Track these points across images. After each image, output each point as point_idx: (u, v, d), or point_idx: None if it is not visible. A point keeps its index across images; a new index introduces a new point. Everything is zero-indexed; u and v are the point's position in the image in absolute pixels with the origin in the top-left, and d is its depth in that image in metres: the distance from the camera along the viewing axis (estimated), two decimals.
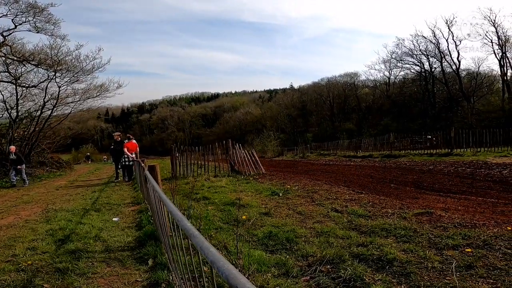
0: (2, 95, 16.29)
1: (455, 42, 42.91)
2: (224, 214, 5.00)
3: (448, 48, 44.11)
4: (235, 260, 2.47)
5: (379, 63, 69.83)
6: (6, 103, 16.45)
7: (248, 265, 2.77)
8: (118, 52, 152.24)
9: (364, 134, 43.41)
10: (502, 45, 37.61)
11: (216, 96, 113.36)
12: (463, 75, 44.60)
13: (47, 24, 16.09)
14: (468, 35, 40.42)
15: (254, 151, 12.15)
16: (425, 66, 48.03)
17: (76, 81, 17.66)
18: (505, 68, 38.63)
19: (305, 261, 2.96)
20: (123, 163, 10.86)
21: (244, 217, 4.59)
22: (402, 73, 52.79)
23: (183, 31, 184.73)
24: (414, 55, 48.13)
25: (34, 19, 15.76)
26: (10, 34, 15.63)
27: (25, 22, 15.68)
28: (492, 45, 38.48)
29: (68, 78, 17.27)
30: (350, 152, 24.14)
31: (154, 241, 3.63)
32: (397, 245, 3.11)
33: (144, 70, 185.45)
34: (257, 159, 11.52)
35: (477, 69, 42.71)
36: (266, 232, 3.80)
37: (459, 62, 43.44)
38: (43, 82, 16.80)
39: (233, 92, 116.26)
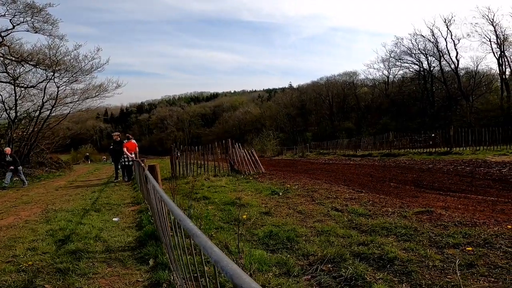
0: (1, 95, 16.30)
1: (453, 41, 42.93)
2: (224, 213, 5.00)
3: (447, 47, 44.14)
4: (237, 260, 2.47)
5: (378, 62, 70.14)
6: (5, 103, 16.44)
7: (249, 264, 2.77)
8: (118, 52, 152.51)
9: (363, 133, 43.40)
10: (500, 44, 37.62)
11: (215, 95, 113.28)
12: (461, 74, 44.61)
13: (45, 24, 16.07)
14: (468, 34, 40.47)
15: (253, 151, 12.15)
16: (423, 65, 48.08)
17: (74, 81, 17.67)
18: (503, 67, 38.65)
19: (306, 260, 2.96)
20: (123, 163, 10.84)
21: (244, 216, 4.59)
22: (401, 72, 52.85)
23: (183, 31, 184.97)
24: (413, 54, 48.16)
25: (32, 19, 15.73)
26: (8, 34, 15.59)
27: (23, 22, 15.64)
28: (491, 44, 38.52)
29: (67, 78, 17.27)
30: (350, 151, 24.16)
31: (155, 241, 3.62)
32: (397, 244, 3.12)
33: (144, 70, 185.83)
34: (257, 158, 11.53)
35: (475, 68, 42.74)
36: (266, 232, 3.80)
37: (458, 61, 43.48)
38: (41, 82, 16.80)
39: (232, 91, 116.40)
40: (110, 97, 19.75)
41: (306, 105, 67.27)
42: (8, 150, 11.59)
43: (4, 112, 16.54)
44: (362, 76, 62.16)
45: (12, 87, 16.05)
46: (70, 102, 18.24)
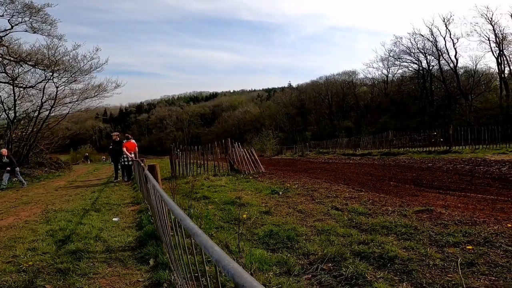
0: (0, 96, 16.26)
1: (452, 40, 42.98)
2: (224, 213, 5.00)
3: (446, 46, 44.20)
4: (237, 259, 2.47)
5: (377, 61, 70.34)
6: (4, 104, 16.43)
7: (249, 264, 2.77)
8: (118, 52, 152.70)
9: (363, 132, 43.43)
10: (499, 43, 37.64)
11: (214, 95, 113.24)
12: (460, 73, 44.65)
13: (44, 24, 16.02)
14: (467, 34, 40.54)
15: (253, 150, 12.14)
16: (423, 64, 48.11)
17: (73, 81, 17.66)
18: (502, 66, 38.67)
19: (306, 259, 2.96)
20: (122, 163, 10.83)
21: (244, 216, 4.59)
22: (400, 71, 52.89)
23: (182, 30, 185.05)
24: (412, 53, 48.19)
25: (31, 20, 15.68)
26: (7, 34, 15.55)
27: (21, 22, 15.59)
28: (489, 43, 38.56)
29: (66, 79, 17.25)
30: (349, 150, 24.17)
31: (155, 240, 3.62)
32: (398, 243, 3.12)
33: (143, 70, 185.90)
34: (256, 157, 11.52)
35: (474, 67, 42.79)
36: (267, 231, 3.81)
37: (457, 60, 43.51)
38: (40, 82, 16.79)
39: (232, 91, 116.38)
40: (109, 97, 19.80)
41: (306, 104, 67.27)
42: (4, 151, 11.45)
43: (3, 113, 16.54)
44: (361, 75, 62.28)
45: (11, 87, 16.05)
46: (69, 102, 18.25)
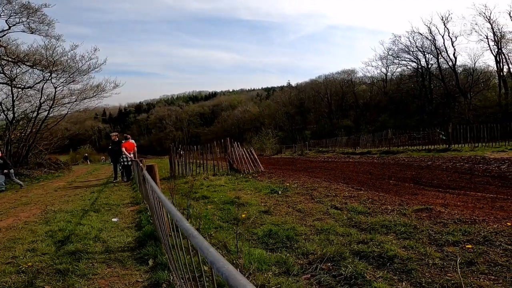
0: None
1: (451, 38, 43.03)
2: (223, 213, 5.00)
3: (444, 45, 44.23)
4: (236, 260, 2.46)
5: (376, 60, 70.32)
6: (2, 104, 16.40)
7: (248, 264, 2.76)
8: (118, 52, 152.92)
9: (362, 130, 43.42)
10: (497, 41, 37.65)
11: (213, 94, 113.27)
12: (459, 71, 44.67)
13: (41, 24, 15.98)
14: (467, 33, 40.58)
15: (252, 149, 12.14)
16: (421, 62, 48.12)
17: (72, 82, 17.61)
18: (501, 64, 38.69)
19: (305, 259, 2.96)
20: (122, 163, 10.82)
21: (243, 215, 4.59)
22: (399, 69, 52.91)
23: (181, 30, 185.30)
24: (411, 52, 48.22)
25: (28, 20, 15.64)
26: (4, 35, 15.51)
27: (19, 23, 15.55)
28: (488, 41, 38.58)
29: (64, 79, 17.20)
30: (349, 149, 24.18)
31: (154, 241, 3.62)
32: (397, 242, 3.11)
33: (142, 70, 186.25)
34: (256, 157, 11.52)
35: (473, 65, 42.84)
36: (266, 231, 3.80)
37: (455, 58, 43.56)
38: (38, 83, 16.74)
39: (231, 90, 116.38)
40: (108, 97, 19.66)
41: (305, 103, 67.25)
42: None
43: (2, 113, 16.51)
44: (360, 74, 62.25)
45: (9, 88, 16.00)
46: (67, 103, 18.21)
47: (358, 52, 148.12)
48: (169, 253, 2.60)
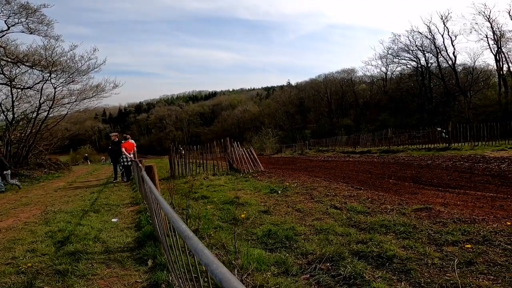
0: None
1: (450, 37, 43.03)
2: (223, 213, 4.99)
3: (444, 44, 44.24)
4: (234, 260, 2.46)
5: (376, 59, 70.41)
6: (2, 105, 16.39)
7: (247, 264, 2.76)
8: (118, 52, 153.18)
9: (362, 129, 43.42)
10: (497, 40, 37.63)
11: (213, 94, 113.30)
12: (459, 70, 44.64)
13: (40, 25, 15.96)
14: (466, 32, 40.56)
15: (252, 149, 12.14)
16: (421, 61, 48.12)
17: (71, 82, 17.60)
18: (500, 63, 38.66)
19: (304, 259, 2.95)
20: (122, 163, 10.82)
21: (243, 215, 4.58)
22: (398, 68, 52.92)
23: (180, 30, 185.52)
24: (410, 51, 48.22)
25: (27, 20, 15.62)
26: (4, 35, 15.50)
27: (18, 23, 15.53)
28: (487, 40, 38.56)
29: (64, 79, 17.19)
30: (349, 148, 24.18)
31: (153, 241, 3.62)
32: (396, 242, 3.11)
33: (142, 70, 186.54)
34: (256, 156, 11.52)
35: (473, 64, 42.84)
36: (265, 231, 3.80)
37: (455, 57, 43.56)
38: (38, 83, 16.73)
39: (231, 90, 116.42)
40: (108, 97, 19.65)
41: (305, 102, 67.26)
42: None
43: (2, 114, 16.51)
44: (360, 73, 62.29)
45: (9, 88, 16.00)
46: (67, 103, 18.20)
47: (358, 51, 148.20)
48: (168, 254, 2.60)
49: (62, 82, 17.25)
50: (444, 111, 41.93)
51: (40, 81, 16.64)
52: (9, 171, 11.29)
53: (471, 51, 69.15)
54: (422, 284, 2.29)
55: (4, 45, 15.22)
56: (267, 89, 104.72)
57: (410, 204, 4.54)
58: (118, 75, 69.26)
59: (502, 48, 37.74)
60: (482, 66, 42.44)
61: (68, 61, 16.80)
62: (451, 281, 2.24)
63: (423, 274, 2.42)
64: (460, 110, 39.15)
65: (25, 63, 15.69)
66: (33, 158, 17.53)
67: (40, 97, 16.85)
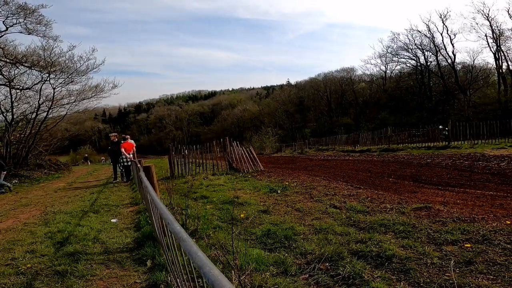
0: None
1: (449, 36, 43.03)
2: (222, 212, 4.99)
3: (443, 42, 44.24)
4: (232, 261, 2.45)
5: (375, 58, 70.29)
6: (1, 106, 16.34)
7: (246, 264, 2.75)
8: (118, 53, 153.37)
9: (362, 128, 43.41)
10: (496, 39, 37.60)
11: (213, 94, 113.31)
12: (458, 68, 44.64)
13: (39, 25, 15.92)
14: (465, 30, 40.54)
15: (252, 148, 12.13)
16: (420, 60, 48.11)
17: (70, 83, 17.54)
18: (500, 61, 38.64)
19: (303, 259, 2.95)
20: (122, 163, 10.82)
21: (242, 215, 4.58)
22: (398, 67, 52.91)
23: (180, 30, 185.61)
24: (410, 49, 48.21)
25: (25, 21, 15.58)
26: (2, 36, 15.47)
27: (16, 24, 15.50)
28: (487, 39, 38.54)
29: (63, 80, 17.14)
30: (348, 147, 24.20)
31: (153, 241, 3.61)
32: (396, 241, 3.10)
33: (142, 70, 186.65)
34: (255, 156, 11.51)
35: (472, 62, 42.84)
36: (264, 230, 3.79)
37: (454, 55, 43.55)
38: (37, 84, 16.68)
39: (230, 89, 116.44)
40: (107, 98, 19.65)
41: (304, 101, 67.28)
42: None
43: (1, 115, 16.47)
44: (359, 72, 62.32)
45: (8, 89, 15.97)
46: (66, 104, 18.14)
47: (357, 50, 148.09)
48: (166, 254, 2.59)
49: (61, 83, 17.22)
50: (444, 109, 41.93)
51: (39, 82, 16.61)
52: (5, 172, 11.16)
53: (470, 49, 69.15)
54: (422, 284, 2.29)
55: (2, 45, 15.19)
56: (266, 88, 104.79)
57: (410, 203, 4.53)
58: (118, 75, 69.49)
59: (501, 46, 37.74)
60: (482, 65, 42.49)
61: (67, 61, 16.78)
62: (451, 281, 2.23)
63: (422, 274, 2.41)
64: (460, 109, 39.14)
65: (23, 64, 15.66)
66: (32, 158, 17.51)
67: (39, 98, 16.81)
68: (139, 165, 6.05)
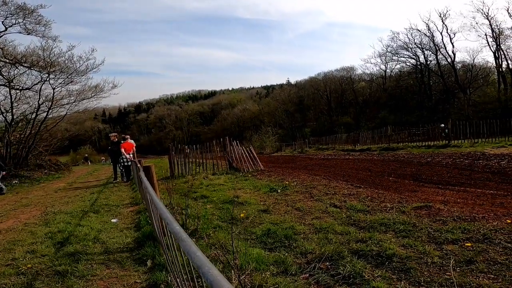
0: None
1: (449, 35, 43.06)
2: (222, 212, 4.99)
3: (443, 41, 44.25)
4: (232, 260, 2.45)
5: (375, 57, 70.35)
6: (1, 106, 16.34)
7: (246, 264, 2.75)
8: (118, 53, 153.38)
9: (362, 127, 43.44)
10: (496, 38, 37.59)
11: (213, 93, 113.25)
12: (458, 67, 44.65)
13: (38, 25, 15.92)
14: (465, 29, 40.52)
15: (252, 148, 12.13)
16: (420, 59, 48.14)
17: (70, 83, 17.54)
18: (499, 60, 38.65)
19: (304, 258, 2.94)
20: (122, 163, 10.81)
21: (242, 215, 4.58)
22: (398, 66, 52.99)
23: (180, 30, 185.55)
24: (409, 48, 48.25)
25: (24, 21, 15.57)
26: (1, 36, 15.46)
27: (15, 24, 15.49)
28: (486, 38, 38.55)
29: (62, 80, 17.14)
30: (348, 146, 24.20)
31: (153, 241, 3.61)
32: (396, 240, 3.09)
33: (142, 70, 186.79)
34: (255, 155, 11.51)
35: (472, 61, 42.85)
36: (264, 230, 3.79)
37: (454, 54, 43.55)
38: (36, 84, 16.68)
39: (230, 89, 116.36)
40: (107, 98, 19.64)
41: (304, 101, 67.27)
42: None
43: (1, 115, 16.47)
44: (359, 71, 62.41)
45: (7, 89, 15.96)
46: (66, 104, 18.13)
47: (357, 49, 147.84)
48: (166, 254, 2.59)
49: (60, 83, 17.22)
50: (444, 108, 41.91)
51: (39, 82, 16.60)
52: (3, 173, 11.12)
53: (470, 48, 69.19)
54: (422, 283, 2.28)
55: (2, 46, 15.17)
56: (266, 87, 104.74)
57: (410, 202, 4.52)
58: (118, 75, 69.55)
59: (501, 45, 37.74)
60: (481, 64, 42.50)
61: (66, 61, 16.77)
62: (451, 280, 2.23)
63: (423, 273, 2.41)
64: (460, 107, 39.13)
65: (23, 64, 15.65)
66: (33, 159, 17.51)
67: (39, 98, 16.80)
68: (139, 165, 6.04)
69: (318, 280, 2.47)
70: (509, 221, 3.28)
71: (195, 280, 1.34)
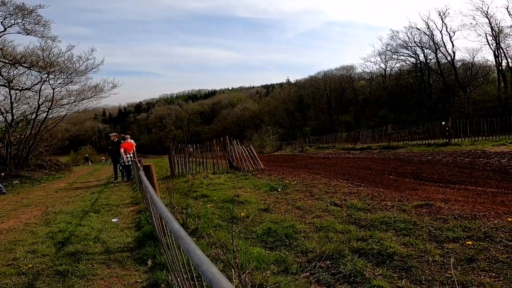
0: None
1: (449, 33, 43.02)
2: (223, 211, 4.98)
3: (443, 40, 44.22)
4: (232, 259, 2.45)
5: (375, 56, 70.23)
6: (1, 106, 16.33)
7: (246, 263, 2.75)
8: (118, 52, 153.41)
9: (362, 126, 43.38)
10: (495, 36, 37.55)
11: (213, 93, 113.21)
12: (458, 65, 44.62)
13: (37, 26, 15.85)
14: (465, 28, 40.47)
15: (252, 147, 12.13)
16: (420, 57, 48.11)
17: (70, 83, 17.49)
18: (499, 59, 38.61)
19: (304, 257, 2.94)
20: (122, 163, 10.81)
21: (242, 214, 4.58)
22: (397, 65, 52.98)
23: (180, 30, 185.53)
24: (409, 47, 48.23)
25: (23, 21, 15.52)
26: (0, 37, 15.43)
27: (14, 24, 15.43)
28: (486, 36, 38.52)
29: (62, 80, 17.10)
30: (349, 145, 24.18)
31: (153, 241, 3.61)
32: (397, 239, 3.09)
33: (142, 70, 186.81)
34: (255, 154, 11.51)
35: (472, 60, 42.83)
36: (265, 229, 3.79)
37: (454, 53, 43.53)
38: (36, 84, 16.64)
39: (230, 88, 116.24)
40: (107, 97, 19.64)
41: (304, 99, 67.24)
42: None
43: (1, 116, 16.46)
44: (359, 70, 62.40)
45: (7, 89, 15.94)
46: (66, 104, 18.09)
47: (357, 48, 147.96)
48: (166, 253, 2.59)
49: (60, 83, 17.18)
50: (444, 106, 41.89)
51: (38, 82, 16.57)
52: (2, 173, 11.06)
53: (470, 47, 69.15)
54: (423, 282, 2.28)
55: (1, 46, 15.14)
56: (266, 87, 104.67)
57: (411, 201, 4.52)
58: (118, 75, 69.59)
59: (501, 43, 37.71)
60: (481, 62, 42.50)
61: (66, 61, 16.73)
62: (452, 279, 2.23)
63: (423, 272, 2.40)
64: (460, 106, 39.12)
65: (22, 64, 15.62)
66: (33, 159, 17.50)
67: (39, 98, 16.76)
68: (139, 164, 6.04)
69: (319, 279, 2.46)
70: (510, 219, 3.28)
71: (195, 279, 1.34)
